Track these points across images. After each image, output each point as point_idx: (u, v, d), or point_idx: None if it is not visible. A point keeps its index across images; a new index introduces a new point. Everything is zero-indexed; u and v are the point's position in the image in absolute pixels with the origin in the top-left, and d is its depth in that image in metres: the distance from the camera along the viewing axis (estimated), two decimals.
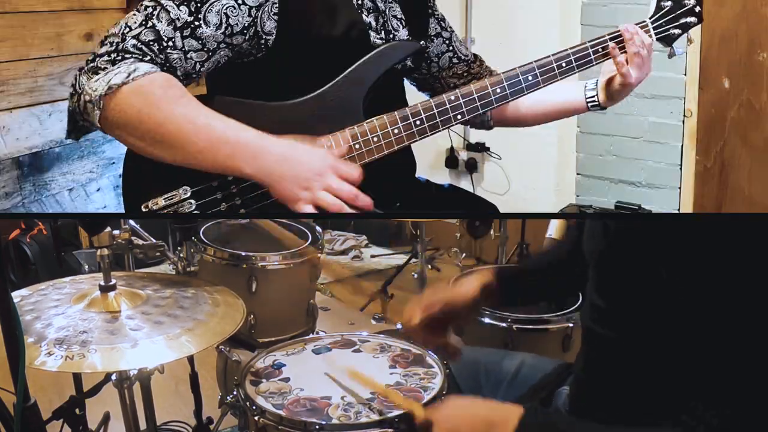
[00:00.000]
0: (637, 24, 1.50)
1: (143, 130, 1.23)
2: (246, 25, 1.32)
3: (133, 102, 1.22)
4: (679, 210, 2.92)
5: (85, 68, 1.26)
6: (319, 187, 1.27)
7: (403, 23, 1.54)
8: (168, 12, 1.27)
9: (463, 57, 1.73)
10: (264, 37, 1.34)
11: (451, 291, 1.35)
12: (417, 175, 1.68)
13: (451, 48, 1.71)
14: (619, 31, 1.47)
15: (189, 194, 1.35)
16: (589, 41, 1.47)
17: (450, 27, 1.73)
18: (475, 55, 1.76)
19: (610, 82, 1.54)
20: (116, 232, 1.70)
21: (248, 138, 1.25)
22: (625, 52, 1.47)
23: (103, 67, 1.25)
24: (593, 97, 1.59)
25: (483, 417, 1.04)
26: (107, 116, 1.23)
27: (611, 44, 1.47)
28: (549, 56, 1.46)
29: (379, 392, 1.26)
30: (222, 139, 1.23)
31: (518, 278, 1.41)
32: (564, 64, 1.46)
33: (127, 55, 1.25)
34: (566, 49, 1.47)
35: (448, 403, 1.10)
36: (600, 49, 1.47)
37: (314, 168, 1.27)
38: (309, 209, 1.28)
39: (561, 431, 1.04)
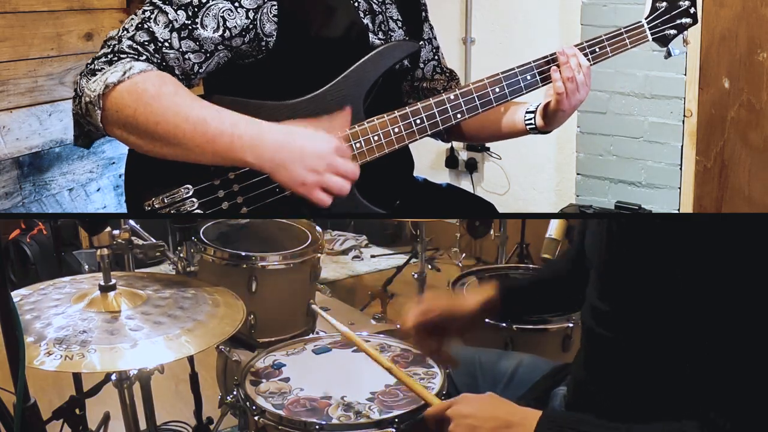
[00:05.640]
0: (630, 25, 1.49)
1: (141, 129, 1.23)
2: (244, 27, 1.32)
3: (128, 101, 1.22)
4: (679, 210, 2.92)
5: (84, 71, 1.28)
6: (325, 168, 1.26)
7: (400, 24, 1.54)
8: (165, 14, 1.28)
9: (445, 69, 1.72)
10: (264, 39, 1.34)
11: (452, 300, 1.37)
12: (415, 175, 1.68)
13: (436, 57, 1.71)
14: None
15: (191, 193, 1.35)
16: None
17: (436, 38, 1.72)
18: (452, 72, 1.74)
19: (547, 105, 1.50)
20: (116, 232, 1.70)
21: (244, 128, 1.24)
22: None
23: (100, 68, 1.26)
24: (531, 120, 1.55)
25: (502, 418, 1.05)
26: (106, 116, 1.24)
27: (552, 66, 1.44)
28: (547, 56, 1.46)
29: (400, 378, 1.23)
30: (217, 133, 1.23)
31: (521, 292, 1.42)
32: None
33: (123, 55, 1.26)
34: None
35: (466, 400, 1.09)
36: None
37: (317, 151, 1.26)
38: (317, 193, 1.27)
39: None
